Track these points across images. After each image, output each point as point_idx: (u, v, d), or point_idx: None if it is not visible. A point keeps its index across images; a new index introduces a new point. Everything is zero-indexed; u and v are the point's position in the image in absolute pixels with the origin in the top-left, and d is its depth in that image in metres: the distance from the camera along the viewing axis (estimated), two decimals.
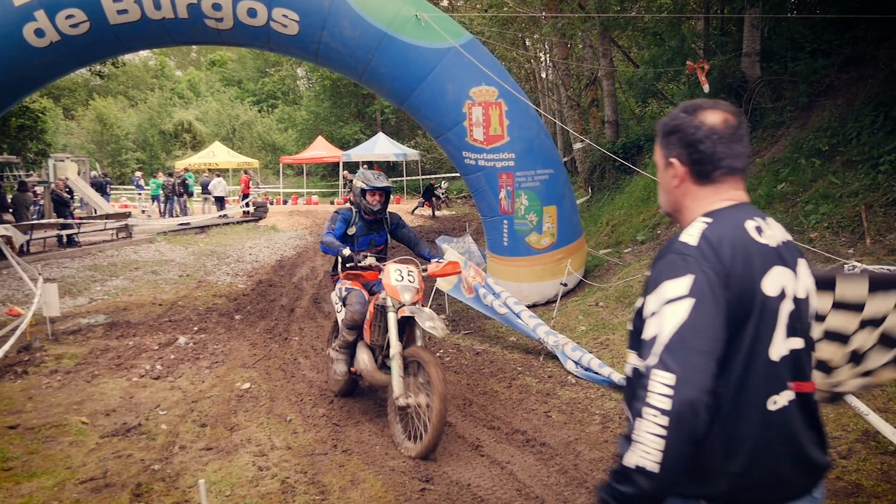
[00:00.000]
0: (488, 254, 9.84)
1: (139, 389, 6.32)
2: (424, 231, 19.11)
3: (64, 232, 16.26)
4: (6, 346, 6.80)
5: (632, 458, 1.48)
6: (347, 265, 5.44)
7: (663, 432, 1.43)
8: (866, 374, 2.39)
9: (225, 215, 23.03)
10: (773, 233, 1.68)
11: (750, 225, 1.64)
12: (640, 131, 16.33)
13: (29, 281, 9.24)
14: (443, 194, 25.07)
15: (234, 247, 17.05)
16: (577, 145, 17.71)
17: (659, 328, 1.51)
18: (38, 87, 10.92)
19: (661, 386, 1.45)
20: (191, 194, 26.01)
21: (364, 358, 5.39)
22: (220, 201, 24.27)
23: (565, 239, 9.22)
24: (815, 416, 1.69)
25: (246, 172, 29.20)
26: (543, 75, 25.20)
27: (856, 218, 7.23)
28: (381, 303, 5.26)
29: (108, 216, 18.73)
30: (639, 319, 1.64)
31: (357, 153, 30.19)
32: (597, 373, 6.18)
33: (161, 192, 24.55)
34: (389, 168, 34.50)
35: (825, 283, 2.39)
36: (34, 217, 17.25)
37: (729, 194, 1.70)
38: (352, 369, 5.60)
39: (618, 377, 5.92)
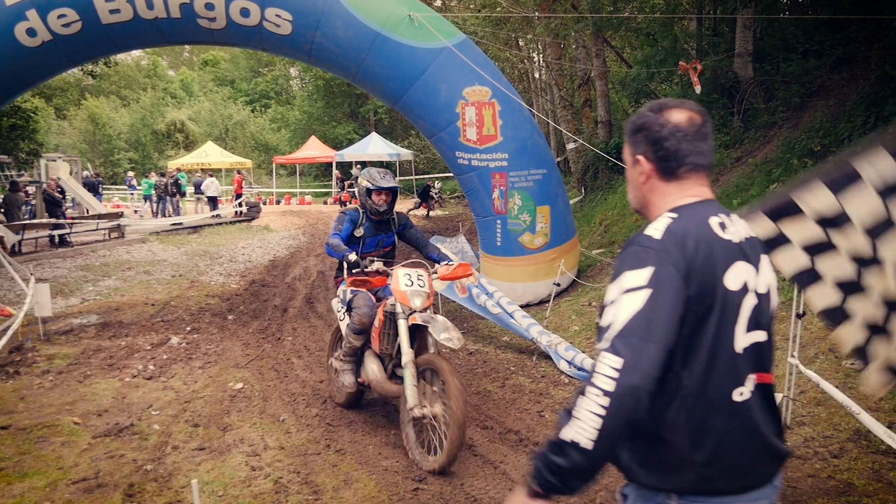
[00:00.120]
0: (481, 254, 9.85)
1: (131, 390, 6.30)
2: None
3: (56, 232, 16.20)
4: None
5: (568, 433, 1.52)
6: (353, 271, 5.12)
7: (602, 412, 1.48)
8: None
9: (218, 215, 22.99)
10: (736, 229, 1.71)
11: (714, 221, 1.68)
12: None
13: (20, 281, 9.20)
14: (436, 194, 25.05)
15: (226, 247, 17.02)
16: (571, 145, 17.72)
17: (615, 315, 1.55)
18: (30, 86, 10.87)
19: (607, 368, 1.49)
20: (183, 194, 25.95)
21: (373, 368, 5.11)
22: (213, 201, 24.22)
23: (558, 239, 9.23)
24: (774, 407, 1.74)
25: (239, 172, 29.13)
26: (536, 75, 25.26)
27: None
28: (389, 309, 4.97)
29: (100, 216, 18.66)
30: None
31: (350, 153, 30.15)
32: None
33: (153, 192, 24.50)
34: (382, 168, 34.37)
35: (783, 211, 2.51)
36: (26, 217, 17.17)
37: (694, 191, 1.74)
38: (359, 380, 5.31)
39: None
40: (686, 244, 1.59)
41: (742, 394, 1.64)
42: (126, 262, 14.36)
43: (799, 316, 4.67)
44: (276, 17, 8.71)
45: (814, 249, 2.54)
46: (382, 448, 4.93)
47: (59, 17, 8.59)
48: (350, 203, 27.06)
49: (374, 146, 29.65)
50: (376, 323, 5.09)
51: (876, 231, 2.38)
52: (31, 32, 8.67)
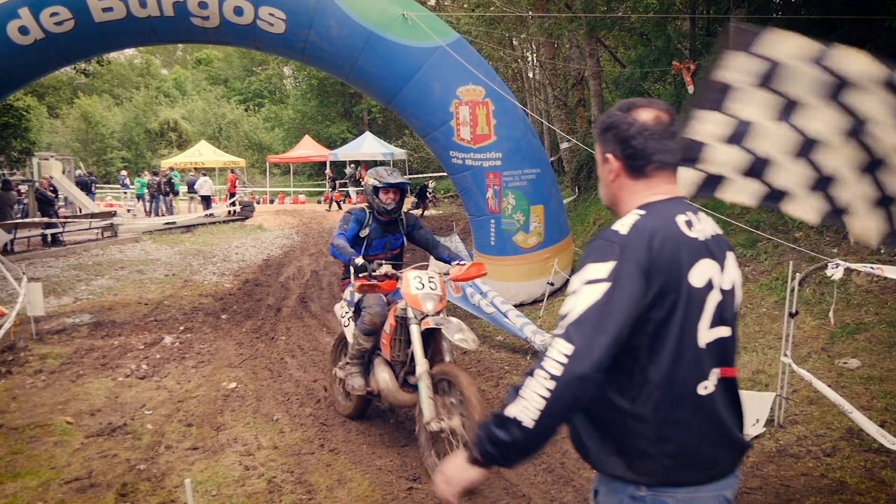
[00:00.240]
0: (475, 253, 9.85)
1: (124, 389, 6.28)
2: None
3: (48, 231, 16.13)
4: None
5: (512, 410, 1.58)
6: (361, 275, 4.81)
7: (547, 395, 1.53)
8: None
9: (211, 214, 22.93)
10: (702, 227, 1.75)
11: (681, 219, 1.71)
12: None
13: (13, 280, 9.16)
14: (430, 193, 25.04)
15: (220, 246, 16.97)
16: (564, 145, 17.74)
17: (573, 304, 1.59)
18: (22, 85, 10.83)
19: (558, 354, 1.54)
20: (176, 193, 25.90)
21: (384, 376, 4.82)
22: (207, 200, 24.17)
23: (552, 238, 9.25)
24: (737, 401, 1.79)
25: (232, 171, 29.07)
26: (530, 75, 25.26)
27: None
28: (400, 314, 4.72)
29: (93, 215, 18.58)
30: None
31: (344, 152, 30.14)
32: None
33: (146, 191, 24.42)
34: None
35: (693, 154, 2.44)
36: (18, 216, 17.12)
37: (662, 188, 1.76)
38: (368, 389, 5.02)
39: None
40: (652, 242, 1.63)
41: (706, 388, 1.69)
42: (119, 262, 14.31)
43: (791, 315, 4.69)
44: (269, 16, 8.69)
45: (753, 170, 2.44)
46: (376, 447, 4.93)
47: (52, 15, 8.56)
48: (344, 202, 27.06)
49: (368, 145, 29.65)
50: (387, 328, 4.85)
51: (785, 115, 2.32)
52: (23, 30, 8.64)
